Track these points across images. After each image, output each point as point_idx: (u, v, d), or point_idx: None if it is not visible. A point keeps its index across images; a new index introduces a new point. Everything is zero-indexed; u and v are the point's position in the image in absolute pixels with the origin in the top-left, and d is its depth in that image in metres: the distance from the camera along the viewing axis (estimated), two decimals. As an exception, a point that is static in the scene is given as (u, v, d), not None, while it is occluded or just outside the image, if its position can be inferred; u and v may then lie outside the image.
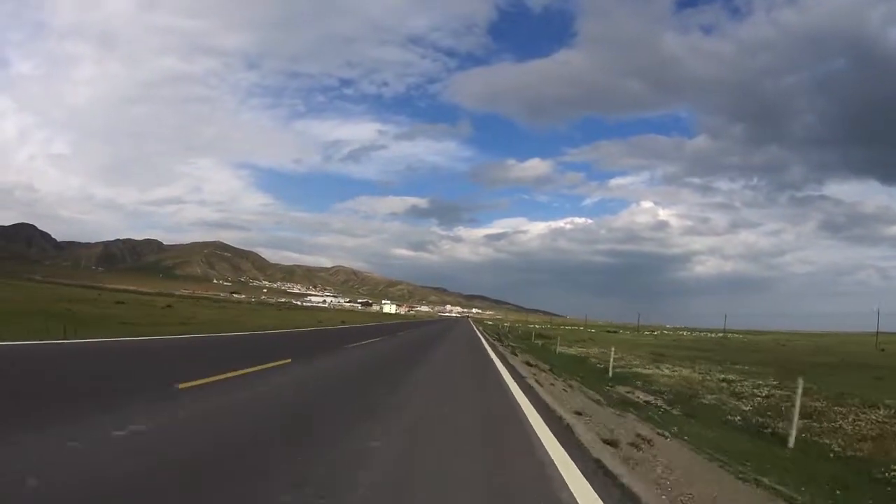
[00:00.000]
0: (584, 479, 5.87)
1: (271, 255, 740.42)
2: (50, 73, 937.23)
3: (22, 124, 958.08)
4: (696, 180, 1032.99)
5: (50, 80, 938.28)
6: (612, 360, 30.73)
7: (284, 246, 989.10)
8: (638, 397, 19.46)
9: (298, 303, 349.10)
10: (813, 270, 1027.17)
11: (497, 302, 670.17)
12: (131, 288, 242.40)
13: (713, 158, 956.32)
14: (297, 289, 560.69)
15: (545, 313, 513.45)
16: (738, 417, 17.44)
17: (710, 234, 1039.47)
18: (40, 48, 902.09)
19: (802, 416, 14.53)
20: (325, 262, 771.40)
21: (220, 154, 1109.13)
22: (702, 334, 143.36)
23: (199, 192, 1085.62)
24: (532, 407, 10.59)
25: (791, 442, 12.84)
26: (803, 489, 8.39)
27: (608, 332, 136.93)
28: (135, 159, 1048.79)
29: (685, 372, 32.31)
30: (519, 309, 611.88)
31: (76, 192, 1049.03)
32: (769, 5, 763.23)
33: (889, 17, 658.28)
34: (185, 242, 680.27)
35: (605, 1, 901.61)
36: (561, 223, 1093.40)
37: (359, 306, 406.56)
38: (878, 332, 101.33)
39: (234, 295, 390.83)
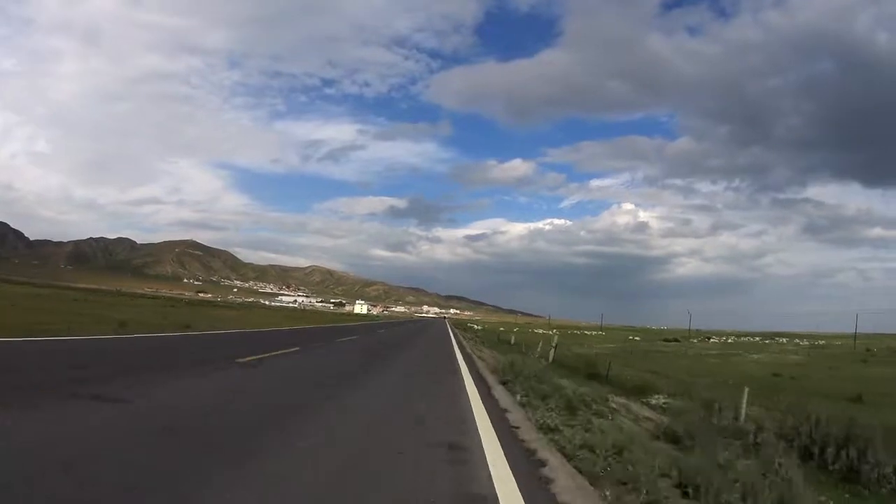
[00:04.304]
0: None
1: (249, 256, 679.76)
2: (33, 70, 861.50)
3: (2, 121, 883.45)
4: (678, 182, 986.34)
5: (33, 76, 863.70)
6: None
7: (262, 246, 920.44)
8: None
9: (267, 302, 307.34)
10: (793, 272, 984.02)
11: (475, 303, 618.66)
12: (80, 285, 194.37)
13: (695, 160, 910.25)
14: (269, 288, 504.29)
15: (524, 314, 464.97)
16: None
17: (691, 235, 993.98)
18: (24, 44, 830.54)
19: None
20: (303, 263, 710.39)
21: (201, 154, 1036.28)
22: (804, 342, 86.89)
23: (178, 192, 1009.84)
24: None
25: None
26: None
27: (666, 340, 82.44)
28: (115, 158, 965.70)
29: None
30: (497, 310, 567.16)
31: (55, 192, 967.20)
32: (755, 7, 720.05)
33: (875, 21, 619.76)
34: (157, 241, 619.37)
35: (591, 0, 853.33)
36: (541, 224, 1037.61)
37: (331, 306, 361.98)
38: None
39: (200, 294, 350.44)
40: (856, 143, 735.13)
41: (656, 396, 13.74)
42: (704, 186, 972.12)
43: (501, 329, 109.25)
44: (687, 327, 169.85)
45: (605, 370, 21.92)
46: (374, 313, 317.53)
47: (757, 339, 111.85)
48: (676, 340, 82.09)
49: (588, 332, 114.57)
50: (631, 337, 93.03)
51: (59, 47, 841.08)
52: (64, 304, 42.14)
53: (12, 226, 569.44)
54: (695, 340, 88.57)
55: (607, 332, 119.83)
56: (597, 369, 22.14)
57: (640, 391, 15.36)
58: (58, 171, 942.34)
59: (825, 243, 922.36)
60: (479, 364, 14.38)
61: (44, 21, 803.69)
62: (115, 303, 63.54)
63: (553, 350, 24.96)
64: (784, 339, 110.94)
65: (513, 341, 45.08)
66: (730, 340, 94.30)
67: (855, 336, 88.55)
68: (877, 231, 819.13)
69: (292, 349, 15.51)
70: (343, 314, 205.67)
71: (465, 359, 16.04)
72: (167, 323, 25.91)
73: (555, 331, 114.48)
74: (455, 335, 38.69)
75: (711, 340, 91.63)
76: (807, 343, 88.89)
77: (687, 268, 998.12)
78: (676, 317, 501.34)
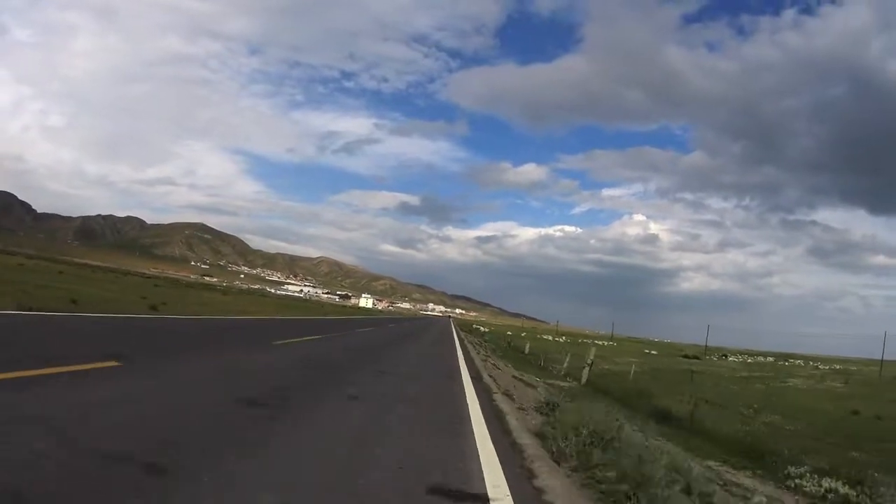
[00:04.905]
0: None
1: (259, 243, 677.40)
2: (48, 43, 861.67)
3: (15, 94, 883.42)
4: (689, 196, 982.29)
5: (48, 50, 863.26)
6: None
7: (273, 234, 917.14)
8: None
9: (272, 290, 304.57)
10: (798, 293, 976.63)
11: (481, 304, 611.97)
12: (76, 260, 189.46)
13: (707, 175, 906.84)
14: (277, 277, 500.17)
15: (530, 318, 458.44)
16: None
17: (699, 250, 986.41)
18: (40, 17, 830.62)
19: None
20: (313, 253, 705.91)
21: (216, 138, 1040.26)
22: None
23: (191, 175, 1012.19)
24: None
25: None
26: None
27: (685, 356, 76.45)
28: (129, 137, 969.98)
29: None
30: (503, 312, 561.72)
31: (66, 166, 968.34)
32: (774, 27, 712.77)
33: (888, 50, 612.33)
34: (167, 223, 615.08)
35: (613, 9, 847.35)
36: (551, 230, 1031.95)
37: (336, 298, 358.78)
38: None
39: (206, 278, 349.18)
40: (864, 169, 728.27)
41: (797, 469, 8.24)
42: (715, 202, 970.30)
43: (509, 333, 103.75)
44: (694, 342, 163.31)
45: (655, 398, 16.49)
46: (379, 308, 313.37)
47: (770, 359, 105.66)
48: (696, 357, 76.16)
49: (599, 342, 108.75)
50: (646, 350, 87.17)
51: (75, 22, 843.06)
52: (37, 276, 37.06)
53: (20, 197, 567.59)
54: (714, 358, 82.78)
55: (618, 343, 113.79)
56: (651, 399, 16.62)
57: (752, 452, 9.92)
58: (70, 146, 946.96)
59: (831, 267, 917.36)
60: (510, 416, 7.87)
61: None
62: (99, 279, 58.78)
63: (588, 369, 19.45)
64: (800, 361, 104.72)
65: (527, 350, 39.60)
66: (749, 360, 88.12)
67: (882, 362, 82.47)
68: (880, 259, 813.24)
69: (111, 364, 7.33)
70: (346, 307, 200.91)
71: (477, 394, 9.79)
72: (134, 304, 20.59)
73: (563, 339, 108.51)
74: (461, 342, 32.16)
75: (730, 359, 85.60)
76: (826, 367, 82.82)
77: (694, 283, 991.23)
78: (683, 331, 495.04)
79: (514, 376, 16.25)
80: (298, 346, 15.63)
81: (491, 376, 12.60)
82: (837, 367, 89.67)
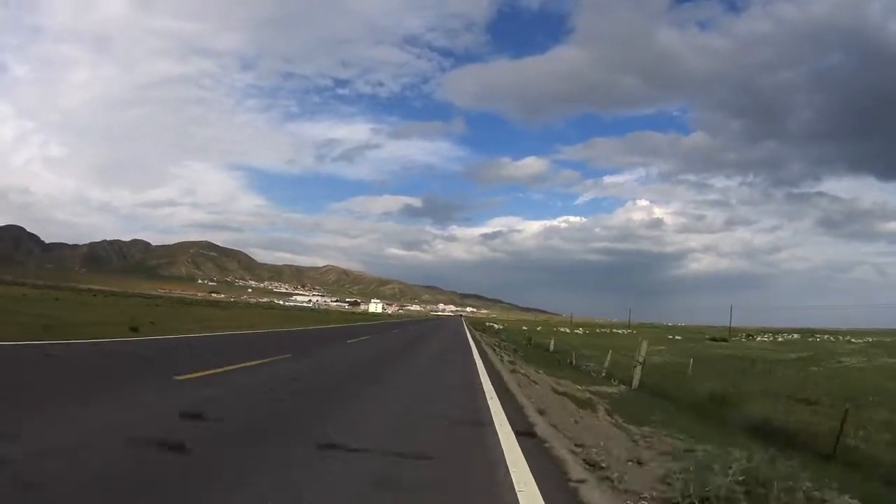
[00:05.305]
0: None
1: (265, 256, 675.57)
2: (45, 77, 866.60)
3: (17, 128, 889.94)
4: (692, 177, 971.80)
5: (45, 83, 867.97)
6: None
7: (278, 247, 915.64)
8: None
9: (281, 302, 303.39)
10: (809, 267, 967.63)
11: (492, 301, 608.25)
12: (82, 286, 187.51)
13: (709, 155, 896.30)
14: (284, 288, 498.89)
15: (542, 312, 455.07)
16: None
17: (705, 231, 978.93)
18: (37, 51, 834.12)
19: None
20: (319, 262, 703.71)
21: (215, 156, 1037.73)
22: None
23: (192, 194, 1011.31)
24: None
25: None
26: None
27: (713, 339, 72.40)
28: (128, 161, 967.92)
29: None
30: (513, 308, 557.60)
31: (70, 195, 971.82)
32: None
33: (888, 10, 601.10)
34: (172, 243, 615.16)
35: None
36: (556, 222, 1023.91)
37: (346, 306, 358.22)
38: None
39: (213, 294, 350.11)
40: (870, 135, 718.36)
41: None
42: (718, 181, 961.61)
43: (525, 329, 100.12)
44: (709, 323, 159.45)
45: (738, 403, 12.84)
46: (389, 312, 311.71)
47: (796, 336, 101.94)
48: (724, 340, 72.43)
49: (617, 331, 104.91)
50: (670, 337, 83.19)
51: (70, 54, 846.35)
52: (39, 305, 34.14)
53: (28, 230, 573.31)
54: (742, 339, 79.03)
55: (637, 332, 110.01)
56: (736, 405, 12.94)
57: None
58: (72, 175, 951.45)
59: (841, 238, 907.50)
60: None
61: (54, 29, 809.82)
62: (98, 303, 55.95)
63: (640, 367, 15.81)
64: (829, 336, 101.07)
65: (552, 347, 35.96)
66: (779, 339, 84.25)
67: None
68: (893, 225, 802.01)
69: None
70: (355, 313, 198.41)
71: (535, 475, 4.69)
72: (116, 327, 17.32)
73: (581, 330, 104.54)
74: (478, 345, 27.69)
75: (759, 339, 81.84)
76: (860, 341, 78.92)
77: (702, 263, 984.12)
78: (697, 313, 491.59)
79: (553, 389, 12.61)
80: (218, 381, 9.56)
81: (540, 412, 7.89)
82: (870, 339, 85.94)
